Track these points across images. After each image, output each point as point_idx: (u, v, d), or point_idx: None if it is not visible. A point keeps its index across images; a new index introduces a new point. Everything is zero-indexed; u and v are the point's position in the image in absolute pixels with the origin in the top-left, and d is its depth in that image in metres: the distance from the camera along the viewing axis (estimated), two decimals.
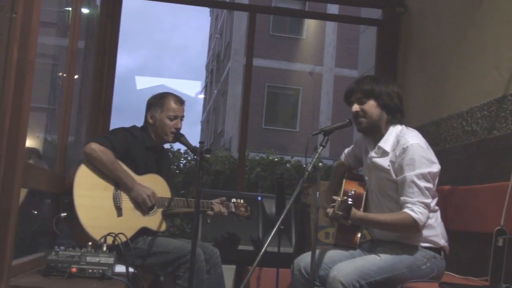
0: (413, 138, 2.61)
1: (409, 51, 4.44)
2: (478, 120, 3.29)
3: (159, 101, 3.19)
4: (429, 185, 2.54)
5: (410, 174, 2.52)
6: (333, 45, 21.33)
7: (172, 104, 3.18)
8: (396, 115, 2.72)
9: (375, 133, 2.73)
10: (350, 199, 2.34)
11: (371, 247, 2.75)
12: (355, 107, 2.71)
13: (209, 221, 3.34)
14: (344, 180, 2.83)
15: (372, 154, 2.73)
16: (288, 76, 21.07)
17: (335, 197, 2.49)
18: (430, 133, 3.79)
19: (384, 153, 2.67)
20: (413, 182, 2.51)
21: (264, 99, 20.63)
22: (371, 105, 2.69)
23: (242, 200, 3.44)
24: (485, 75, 3.27)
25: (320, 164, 2.42)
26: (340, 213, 2.34)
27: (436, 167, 2.59)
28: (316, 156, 2.48)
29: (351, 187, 2.73)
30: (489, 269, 2.51)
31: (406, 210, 2.50)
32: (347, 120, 2.71)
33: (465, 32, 3.55)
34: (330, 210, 2.52)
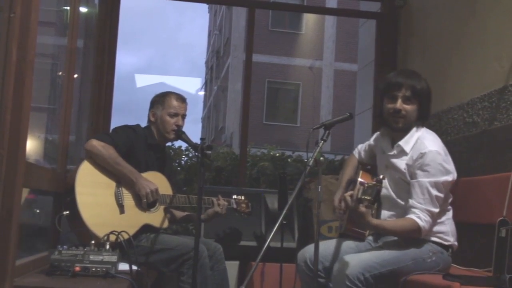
0: (432, 144, 2.60)
1: (409, 43, 4.43)
2: (479, 111, 3.29)
3: (161, 99, 3.22)
4: (441, 194, 2.54)
5: (424, 180, 2.53)
6: (333, 39, 21.30)
7: (173, 102, 3.19)
8: (423, 119, 2.72)
9: (402, 133, 2.71)
10: (378, 183, 2.31)
11: (377, 239, 2.75)
12: (400, 105, 2.65)
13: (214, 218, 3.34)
14: (360, 172, 2.83)
15: (390, 153, 2.72)
16: (288, 71, 21.05)
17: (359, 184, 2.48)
18: (431, 125, 3.78)
19: (402, 153, 2.67)
20: (426, 189, 2.52)
21: (264, 95, 20.62)
22: (414, 108, 2.66)
23: (243, 197, 3.45)
24: (486, 66, 3.26)
25: (322, 158, 2.41)
26: (368, 197, 2.30)
27: (451, 176, 2.59)
28: (317, 150, 2.47)
29: (367, 179, 2.71)
30: (492, 260, 2.51)
31: (412, 216, 2.52)
32: (348, 114, 2.70)
33: (466, 24, 3.54)
34: (348, 196, 2.47)
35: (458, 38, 3.62)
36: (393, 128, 2.72)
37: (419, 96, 2.66)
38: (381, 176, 2.38)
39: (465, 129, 3.44)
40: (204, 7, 32.03)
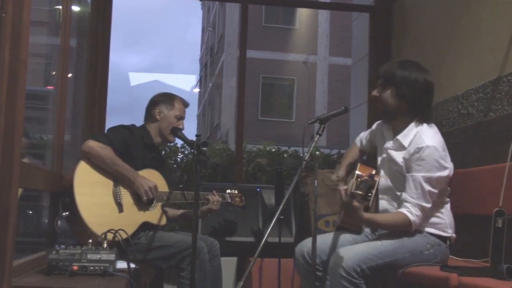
0: (430, 140, 2.58)
1: (402, 36, 4.43)
2: (474, 102, 3.29)
3: (169, 99, 3.29)
4: (434, 190, 2.54)
5: (418, 175, 2.53)
6: (326, 33, 21.31)
7: (181, 105, 3.29)
8: (418, 111, 2.66)
9: (392, 120, 2.73)
10: (370, 179, 2.33)
11: (375, 231, 2.76)
12: (375, 92, 2.72)
13: (209, 214, 3.35)
14: (358, 165, 2.82)
15: (389, 145, 2.73)
16: (282, 66, 21.06)
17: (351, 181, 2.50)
18: None
19: (400, 147, 2.66)
20: (420, 183, 2.52)
21: (259, 91, 20.62)
22: (389, 94, 2.67)
23: (236, 191, 3.48)
24: (480, 58, 3.26)
25: (317, 152, 2.41)
26: (360, 192, 2.31)
27: (447, 172, 2.59)
28: (312, 144, 2.47)
29: (365, 172, 2.71)
30: (489, 250, 2.52)
31: (403, 210, 2.53)
32: (343, 108, 2.71)
33: (459, 16, 3.54)
34: (342, 190, 2.44)
35: (452, 30, 3.62)
36: (378, 116, 2.77)
37: (394, 82, 2.65)
38: (373, 172, 2.40)
39: (460, 121, 3.45)
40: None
